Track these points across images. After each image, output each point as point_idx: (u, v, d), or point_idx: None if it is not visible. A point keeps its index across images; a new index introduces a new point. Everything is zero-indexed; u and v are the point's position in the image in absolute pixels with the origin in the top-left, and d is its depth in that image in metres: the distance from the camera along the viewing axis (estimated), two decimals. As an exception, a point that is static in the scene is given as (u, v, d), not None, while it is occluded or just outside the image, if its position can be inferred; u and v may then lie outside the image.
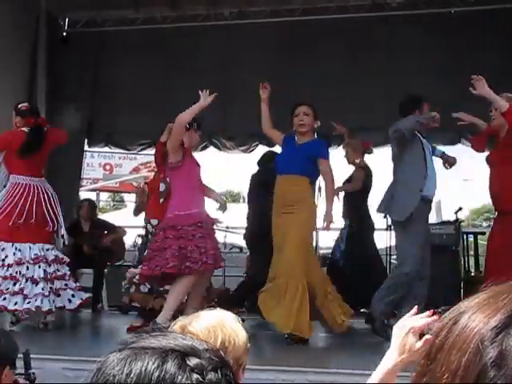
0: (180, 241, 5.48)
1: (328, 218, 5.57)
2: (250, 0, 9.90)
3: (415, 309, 1.72)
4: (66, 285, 6.31)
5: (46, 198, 6.27)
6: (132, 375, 0.97)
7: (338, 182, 6.99)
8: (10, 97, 9.39)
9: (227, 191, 30.34)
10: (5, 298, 5.88)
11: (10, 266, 5.99)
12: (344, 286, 6.11)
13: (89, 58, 10.44)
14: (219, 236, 9.35)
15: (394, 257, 7.09)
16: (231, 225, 10.10)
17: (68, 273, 6.42)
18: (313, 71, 9.56)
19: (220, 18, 10.16)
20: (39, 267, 6.07)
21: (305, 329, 5.36)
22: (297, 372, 3.97)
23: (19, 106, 6.45)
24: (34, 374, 2.71)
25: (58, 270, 6.26)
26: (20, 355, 2.61)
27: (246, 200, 8.16)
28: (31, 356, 2.71)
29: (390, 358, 1.64)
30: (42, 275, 6.05)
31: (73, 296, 6.30)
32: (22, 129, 6.24)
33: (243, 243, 9.69)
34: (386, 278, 6.00)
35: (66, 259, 6.50)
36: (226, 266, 9.18)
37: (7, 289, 5.93)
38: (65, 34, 10.46)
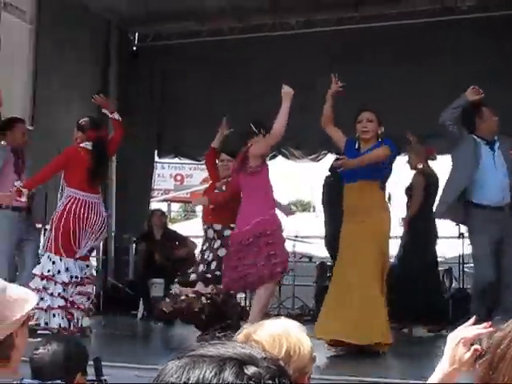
0: (269, 247, 5.44)
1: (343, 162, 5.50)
2: (316, 8, 9.88)
3: (472, 319, 1.70)
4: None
5: (96, 218, 6.20)
6: (190, 383, 0.97)
7: (400, 187, 6.89)
8: (83, 106, 9.67)
9: (297, 200, 30.26)
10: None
11: (64, 284, 5.93)
12: (396, 294, 5.95)
13: (157, 72, 10.63)
14: (288, 245, 9.36)
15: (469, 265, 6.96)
16: (300, 234, 10.08)
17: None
18: (377, 78, 9.46)
19: (286, 27, 10.17)
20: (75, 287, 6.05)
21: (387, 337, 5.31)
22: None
23: (80, 121, 6.56)
24: (105, 380, 2.75)
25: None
26: (90, 362, 2.66)
27: (322, 206, 8.11)
28: (103, 363, 2.76)
29: (441, 368, 1.64)
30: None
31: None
32: (81, 144, 6.32)
33: (313, 252, 9.67)
34: (436, 289, 5.87)
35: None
36: (296, 276, 9.17)
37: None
38: (135, 48, 10.67)
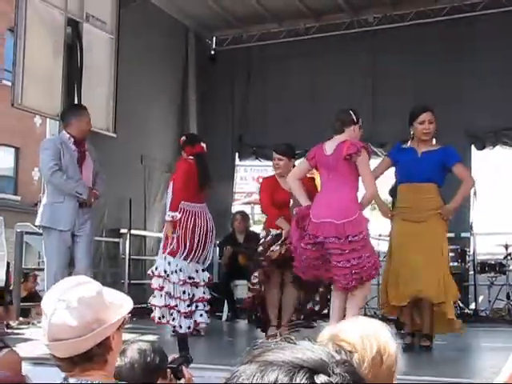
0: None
1: (446, 212, 5.56)
2: (394, 4, 9.74)
3: None
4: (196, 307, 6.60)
5: (205, 223, 6.51)
6: None
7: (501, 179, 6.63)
8: (164, 112, 9.82)
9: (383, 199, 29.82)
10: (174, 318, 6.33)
11: (184, 283, 6.33)
12: None
13: (236, 75, 10.72)
14: (374, 243, 9.21)
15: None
16: (384, 233, 9.90)
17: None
18: (464, 71, 9.23)
19: (363, 24, 10.06)
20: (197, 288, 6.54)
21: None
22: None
23: (182, 137, 6.91)
24: (191, 357, 2.73)
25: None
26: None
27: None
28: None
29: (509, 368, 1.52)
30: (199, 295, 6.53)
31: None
32: (187, 158, 6.54)
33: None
34: None
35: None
36: (381, 275, 9.01)
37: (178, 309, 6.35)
38: (213, 52, 10.77)
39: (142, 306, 8.20)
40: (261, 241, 6.47)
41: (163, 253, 6.47)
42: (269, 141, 10.20)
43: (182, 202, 6.40)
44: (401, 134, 9.48)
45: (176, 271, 6.39)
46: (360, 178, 5.25)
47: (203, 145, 6.74)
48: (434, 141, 5.80)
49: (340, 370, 0.97)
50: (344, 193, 5.18)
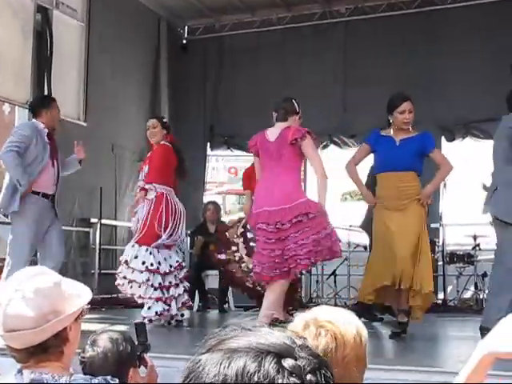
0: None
1: (424, 195, 5.56)
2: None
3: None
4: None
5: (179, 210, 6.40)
6: (229, 380, 0.92)
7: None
8: (135, 102, 9.75)
9: (352, 190, 30.03)
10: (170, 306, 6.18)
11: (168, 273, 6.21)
12: None
13: (208, 64, 10.68)
14: (343, 234, 9.29)
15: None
16: (355, 223, 9.97)
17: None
18: (435, 63, 9.29)
19: (335, 15, 10.08)
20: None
21: None
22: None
23: (165, 120, 6.66)
24: (149, 344, 2.71)
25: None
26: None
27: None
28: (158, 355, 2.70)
29: (465, 373, 1.51)
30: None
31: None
32: (164, 142, 6.39)
33: (368, 241, 9.56)
34: None
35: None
36: (351, 265, 9.10)
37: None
38: (184, 41, 10.71)
39: (113, 295, 8.18)
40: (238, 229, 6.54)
41: (141, 243, 6.18)
42: (241, 131, 10.22)
43: (162, 186, 6.26)
44: (372, 126, 9.55)
45: (164, 259, 6.22)
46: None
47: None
48: (410, 128, 5.81)
49: (305, 354, 0.97)
50: (288, 178, 5.33)
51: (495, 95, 8.96)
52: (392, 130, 5.74)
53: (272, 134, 5.49)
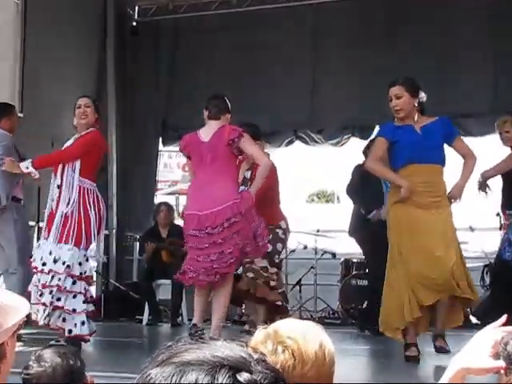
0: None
1: (457, 190, 5.50)
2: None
3: (504, 318, 1.70)
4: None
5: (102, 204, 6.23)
6: None
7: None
8: (77, 91, 9.63)
9: (319, 191, 30.21)
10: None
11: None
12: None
13: (161, 49, 10.60)
14: (310, 240, 9.33)
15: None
16: (323, 228, 10.02)
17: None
18: (411, 52, 9.37)
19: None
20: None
21: None
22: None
23: (97, 102, 6.55)
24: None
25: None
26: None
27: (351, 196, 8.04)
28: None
29: (454, 367, 1.64)
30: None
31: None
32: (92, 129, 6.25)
33: (337, 248, 9.62)
34: None
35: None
36: (319, 274, 9.14)
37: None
38: (135, 23, 10.64)
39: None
40: None
41: (66, 242, 5.84)
42: (197, 124, 10.09)
43: (83, 180, 5.96)
44: (343, 120, 9.70)
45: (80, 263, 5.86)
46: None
47: None
48: (423, 112, 5.67)
49: (261, 368, 1.00)
50: (222, 181, 5.48)
51: (487, 86, 9.13)
52: (402, 121, 5.61)
53: (205, 133, 5.68)
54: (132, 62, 10.47)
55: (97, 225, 5.94)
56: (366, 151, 7.51)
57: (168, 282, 8.33)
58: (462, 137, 5.83)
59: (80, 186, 5.87)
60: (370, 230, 7.29)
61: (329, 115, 9.60)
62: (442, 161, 5.54)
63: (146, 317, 8.54)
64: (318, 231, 9.68)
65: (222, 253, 5.38)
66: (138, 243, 9.65)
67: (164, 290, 8.60)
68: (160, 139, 10.78)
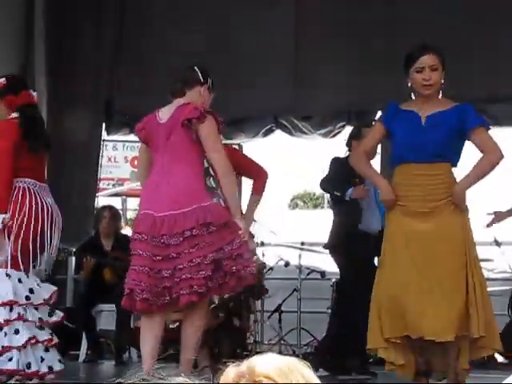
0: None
1: (455, 196, 5.49)
2: None
3: None
4: None
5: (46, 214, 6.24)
6: None
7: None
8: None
9: (305, 193, 30.32)
10: None
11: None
12: None
13: (104, 13, 10.54)
14: (293, 256, 9.35)
15: None
16: (309, 240, 10.06)
17: None
18: (414, 32, 9.47)
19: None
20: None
21: None
22: None
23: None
24: None
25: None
26: None
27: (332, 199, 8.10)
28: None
29: None
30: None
31: None
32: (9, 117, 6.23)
33: (326, 265, 9.66)
34: None
35: None
36: (303, 299, 9.15)
37: None
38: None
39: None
40: None
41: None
42: (149, 107, 10.10)
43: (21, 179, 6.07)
44: (333, 104, 9.74)
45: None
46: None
47: (33, 93, 6.54)
48: (440, 96, 5.69)
49: None
50: (181, 173, 5.43)
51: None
52: (414, 103, 5.66)
53: (164, 113, 5.61)
54: (67, 29, 10.35)
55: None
56: (350, 142, 7.58)
57: (112, 307, 8.32)
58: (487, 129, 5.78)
59: None
60: (351, 246, 7.37)
61: (318, 98, 9.64)
62: (448, 158, 5.57)
63: (83, 352, 8.51)
64: (302, 244, 9.70)
65: (178, 269, 5.29)
66: (73, 258, 9.60)
67: (107, 317, 8.58)
68: (103, 126, 10.75)
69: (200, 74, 5.69)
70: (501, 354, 7.55)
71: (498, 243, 8.89)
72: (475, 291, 5.38)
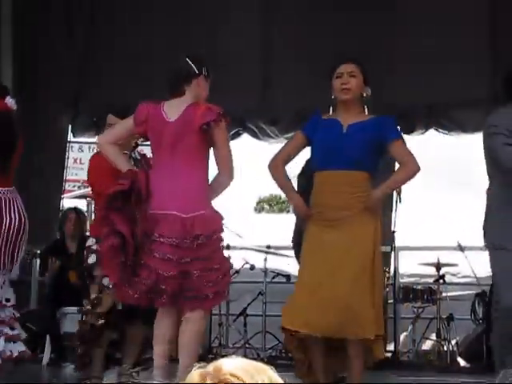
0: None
1: (370, 202, 5.61)
2: None
3: None
4: None
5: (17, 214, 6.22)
6: None
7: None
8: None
9: (271, 197, 30.34)
10: None
11: None
12: None
13: (73, 5, 10.44)
14: (258, 259, 9.34)
15: None
16: (275, 243, 10.05)
17: None
18: (386, 31, 9.50)
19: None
20: None
21: None
22: None
23: None
24: None
25: None
26: None
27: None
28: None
29: None
30: None
31: None
32: None
33: (292, 269, 9.67)
34: None
35: None
36: (268, 303, 9.15)
37: None
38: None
39: None
40: (89, 259, 6.45)
41: None
42: (118, 106, 10.07)
43: None
44: (300, 108, 9.72)
45: None
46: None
47: (9, 101, 6.47)
48: (366, 111, 5.82)
49: None
50: (193, 176, 5.29)
51: (471, 72, 9.31)
52: (337, 113, 5.78)
53: (171, 110, 5.39)
54: (35, 21, 10.25)
55: None
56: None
57: (76, 309, 8.26)
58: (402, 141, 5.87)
59: None
60: None
61: (285, 102, 9.64)
62: (365, 167, 5.66)
63: (46, 355, 8.45)
64: (268, 247, 9.70)
65: (196, 277, 5.20)
66: (38, 260, 9.54)
67: (71, 320, 8.52)
68: (69, 127, 10.69)
69: (194, 66, 5.49)
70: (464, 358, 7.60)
71: (461, 248, 8.94)
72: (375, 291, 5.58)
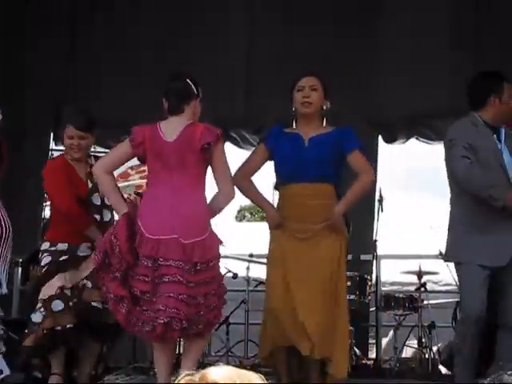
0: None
1: (332, 219, 5.71)
2: None
3: None
4: None
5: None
6: None
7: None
8: None
9: (252, 205, 30.25)
10: None
11: None
12: None
13: (55, 11, 10.49)
14: (241, 268, 9.34)
15: None
16: (257, 252, 10.06)
17: None
18: (368, 41, 9.56)
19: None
20: None
21: None
22: None
23: None
24: None
25: None
26: None
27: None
28: None
29: None
30: None
31: None
32: None
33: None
34: None
35: None
36: (251, 311, 9.16)
37: None
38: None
39: None
40: (42, 261, 6.48)
41: None
42: (101, 115, 10.04)
43: None
44: (285, 117, 9.72)
45: None
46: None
47: None
48: (324, 122, 5.97)
49: None
50: (192, 198, 5.32)
51: (455, 82, 9.35)
52: (297, 127, 5.93)
53: (169, 131, 5.42)
54: (20, 26, 10.24)
55: None
56: None
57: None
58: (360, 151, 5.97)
59: None
60: None
61: (268, 111, 9.66)
62: (328, 179, 5.80)
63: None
64: (250, 256, 9.70)
65: (207, 296, 5.31)
66: (20, 269, 9.50)
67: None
68: (51, 135, 10.65)
69: (194, 87, 5.57)
70: (446, 365, 7.64)
71: (443, 257, 8.98)
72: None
